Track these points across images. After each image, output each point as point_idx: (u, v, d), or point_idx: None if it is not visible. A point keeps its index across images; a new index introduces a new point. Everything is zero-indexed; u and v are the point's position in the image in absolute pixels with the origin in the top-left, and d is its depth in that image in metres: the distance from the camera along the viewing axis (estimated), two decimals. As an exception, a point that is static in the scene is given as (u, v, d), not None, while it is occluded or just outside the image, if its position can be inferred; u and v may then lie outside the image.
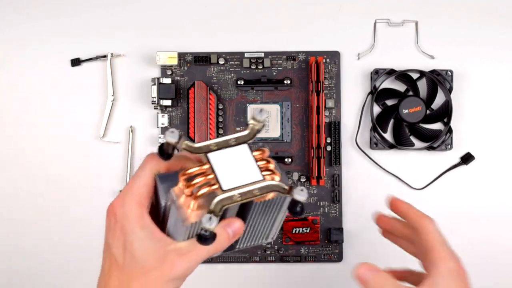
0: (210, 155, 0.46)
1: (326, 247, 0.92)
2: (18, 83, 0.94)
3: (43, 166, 0.93)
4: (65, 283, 0.92)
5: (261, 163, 0.47)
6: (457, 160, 0.94)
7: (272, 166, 0.48)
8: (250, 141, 0.48)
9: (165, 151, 0.47)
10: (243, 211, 0.49)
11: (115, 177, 0.93)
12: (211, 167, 0.46)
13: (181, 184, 0.47)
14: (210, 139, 0.48)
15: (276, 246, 0.92)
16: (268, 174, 0.47)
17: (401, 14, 0.94)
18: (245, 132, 0.48)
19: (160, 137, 0.92)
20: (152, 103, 0.91)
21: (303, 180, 0.92)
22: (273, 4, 0.95)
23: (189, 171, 0.46)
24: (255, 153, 0.48)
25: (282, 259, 0.92)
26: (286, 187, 0.46)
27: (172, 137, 0.45)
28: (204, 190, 0.46)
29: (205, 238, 0.45)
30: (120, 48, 0.94)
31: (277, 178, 0.47)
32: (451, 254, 0.52)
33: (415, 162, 0.93)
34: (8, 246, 0.93)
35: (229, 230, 0.47)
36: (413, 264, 0.60)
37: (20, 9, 0.94)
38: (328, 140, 0.92)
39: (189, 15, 0.95)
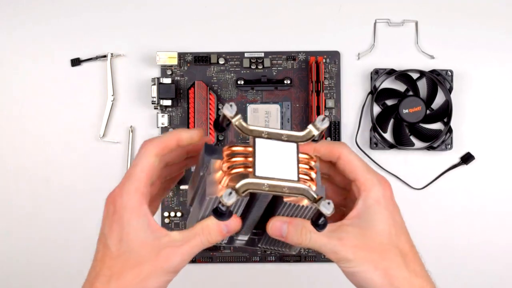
0: (257, 140, 0.46)
1: (326, 247, 0.92)
2: (18, 83, 0.94)
3: (43, 166, 0.93)
4: (65, 283, 0.92)
5: (304, 166, 0.47)
6: (457, 160, 0.94)
7: (313, 175, 0.47)
8: (302, 143, 0.47)
9: (220, 124, 0.47)
10: (272, 208, 0.49)
11: (115, 177, 0.92)
12: (254, 151, 0.45)
13: (223, 160, 0.47)
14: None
15: (276, 246, 0.92)
16: (305, 179, 0.46)
17: (401, 14, 0.94)
18: (300, 133, 0.47)
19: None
20: (152, 103, 0.91)
21: (303, 180, 0.92)
22: (273, 4, 0.95)
23: (234, 148, 0.46)
24: (302, 156, 0.47)
25: (282, 259, 0.92)
26: (315, 196, 0.44)
27: (230, 111, 0.46)
28: (238, 170, 0.45)
29: (220, 213, 0.44)
30: (120, 48, 0.94)
31: (313, 187, 0.46)
32: (376, 178, 0.47)
33: (415, 162, 0.93)
34: (8, 246, 0.93)
35: (223, 225, 0.46)
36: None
37: (20, 10, 0.94)
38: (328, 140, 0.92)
39: (189, 15, 0.95)
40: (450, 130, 0.92)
